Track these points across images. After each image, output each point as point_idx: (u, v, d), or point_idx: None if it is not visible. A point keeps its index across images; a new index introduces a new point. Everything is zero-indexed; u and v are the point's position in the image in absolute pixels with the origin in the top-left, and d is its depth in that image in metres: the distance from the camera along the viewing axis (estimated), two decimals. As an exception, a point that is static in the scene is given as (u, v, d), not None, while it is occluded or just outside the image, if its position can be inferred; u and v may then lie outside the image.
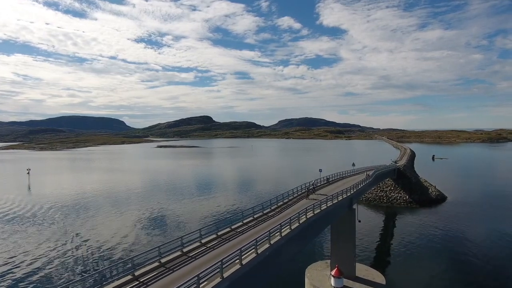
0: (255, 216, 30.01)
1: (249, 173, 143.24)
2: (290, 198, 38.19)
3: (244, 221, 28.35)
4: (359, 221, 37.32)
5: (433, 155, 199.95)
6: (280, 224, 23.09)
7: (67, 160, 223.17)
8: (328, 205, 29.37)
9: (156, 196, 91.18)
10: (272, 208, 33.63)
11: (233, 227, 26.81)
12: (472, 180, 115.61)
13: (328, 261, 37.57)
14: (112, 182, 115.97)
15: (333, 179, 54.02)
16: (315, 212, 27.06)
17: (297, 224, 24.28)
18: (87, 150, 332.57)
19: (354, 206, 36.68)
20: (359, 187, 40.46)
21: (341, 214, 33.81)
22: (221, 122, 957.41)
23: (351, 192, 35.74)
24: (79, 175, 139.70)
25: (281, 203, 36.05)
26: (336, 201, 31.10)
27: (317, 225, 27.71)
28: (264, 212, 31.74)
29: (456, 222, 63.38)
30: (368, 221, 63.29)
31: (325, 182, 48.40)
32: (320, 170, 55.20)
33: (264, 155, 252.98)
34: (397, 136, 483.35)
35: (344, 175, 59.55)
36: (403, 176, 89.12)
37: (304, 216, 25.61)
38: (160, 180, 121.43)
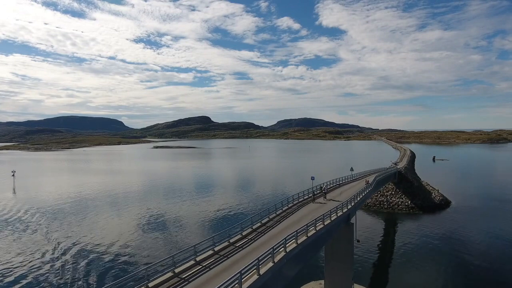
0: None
1: (243, 175, 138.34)
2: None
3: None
4: (358, 241, 32.04)
5: (434, 156, 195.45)
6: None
7: (58, 161, 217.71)
8: (317, 229, 24.37)
9: (142, 200, 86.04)
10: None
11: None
12: (476, 183, 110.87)
13: (322, 281, 32.76)
14: (97, 185, 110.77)
15: (329, 187, 48.44)
16: (297, 243, 22.04)
17: (271, 264, 19.10)
18: (82, 151, 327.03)
19: (352, 221, 31.85)
20: (358, 199, 35.36)
21: (337, 231, 28.94)
22: (220, 122, 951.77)
23: (348, 207, 30.57)
24: (66, 177, 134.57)
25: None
26: (328, 221, 26.06)
27: (306, 252, 23.03)
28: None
29: (464, 230, 58.50)
30: (367, 230, 58.36)
31: (318, 192, 42.85)
32: (313, 178, 49.45)
33: (261, 156, 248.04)
34: (396, 136, 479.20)
35: (341, 182, 54.00)
36: (405, 179, 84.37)
37: (284, 250, 20.57)
38: (148, 183, 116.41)
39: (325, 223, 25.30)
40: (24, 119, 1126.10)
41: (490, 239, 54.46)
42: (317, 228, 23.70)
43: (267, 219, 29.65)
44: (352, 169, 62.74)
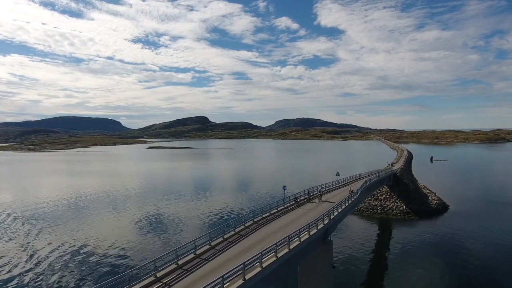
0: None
1: (233, 177, 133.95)
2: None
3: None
4: (333, 267, 27.29)
5: (431, 157, 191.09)
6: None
7: (48, 162, 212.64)
8: (263, 267, 19.35)
9: (123, 204, 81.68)
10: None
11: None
12: (475, 185, 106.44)
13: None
14: (82, 187, 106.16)
15: (305, 197, 42.54)
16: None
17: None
18: (75, 152, 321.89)
19: (339, 234, 27.46)
20: (336, 213, 30.66)
21: (312, 251, 24.40)
22: (217, 122, 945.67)
23: (318, 228, 25.34)
24: (50, 179, 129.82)
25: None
26: (283, 253, 21.11)
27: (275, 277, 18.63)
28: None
29: (463, 238, 54.13)
30: (358, 239, 53.99)
31: (293, 202, 38.15)
32: (284, 188, 44.21)
33: (255, 157, 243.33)
34: (394, 136, 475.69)
35: (323, 190, 48.60)
36: (400, 182, 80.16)
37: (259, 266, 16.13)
38: (133, 185, 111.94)
39: (278, 255, 19.74)
40: (22, 119, 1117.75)
41: (491, 248, 50.18)
42: (263, 265, 18.44)
43: (206, 248, 25.12)
44: (338, 174, 57.86)
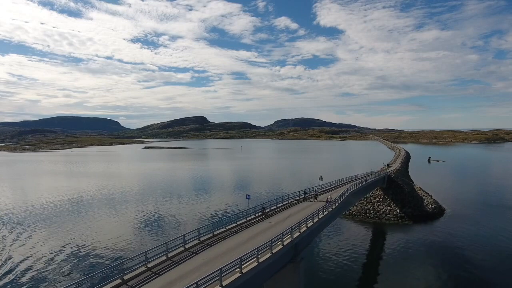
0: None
1: (221, 178, 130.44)
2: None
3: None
4: None
5: (429, 157, 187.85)
6: None
7: (39, 163, 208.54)
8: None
9: (107, 207, 78.17)
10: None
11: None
12: (473, 187, 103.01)
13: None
14: (68, 189, 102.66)
15: (276, 207, 38.01)
16: None
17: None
18: (70, 152, 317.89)
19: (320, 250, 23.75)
20: (304, 227, 26.45)
21: (279, 270, 20.67)
22: (216, 122, 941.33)
23: (281, 246, 21.38)
24: (39, 180, 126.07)
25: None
26: (239, 274, 17.76)
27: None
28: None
29: (459, 245, 50.73)
30: (346, 245, 50.55)
31: (260, 213, 34.27)
32: (248, 197, 39.78)
33: (249, 157, 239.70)
34: (392, 136, 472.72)
35: (319, 191, 44.21)
36: (394, 184, 76.67)
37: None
38: (120, 186, 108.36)
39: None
40: (21, 119, 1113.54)
41: (488, 255, 46.88)
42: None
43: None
44: (321, 178, 53.98)
